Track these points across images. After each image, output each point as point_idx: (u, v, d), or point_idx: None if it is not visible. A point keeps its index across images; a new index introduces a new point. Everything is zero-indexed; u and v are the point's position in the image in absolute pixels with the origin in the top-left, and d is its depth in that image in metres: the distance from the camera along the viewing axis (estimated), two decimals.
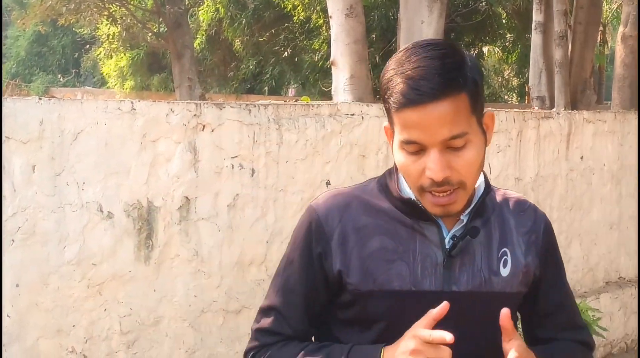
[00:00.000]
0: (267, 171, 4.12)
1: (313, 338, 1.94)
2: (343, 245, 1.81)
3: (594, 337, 5.86)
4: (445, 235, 1.81)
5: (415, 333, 1.67)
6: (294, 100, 4.51)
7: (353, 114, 4.50)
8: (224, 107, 3.95)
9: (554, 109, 7.51)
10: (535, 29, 9.71)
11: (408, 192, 1.81)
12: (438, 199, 1.73)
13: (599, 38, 17.82)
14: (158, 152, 3.73)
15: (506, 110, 5.66)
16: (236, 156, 4.00)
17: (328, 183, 4.39)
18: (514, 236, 1.89)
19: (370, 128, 4.58)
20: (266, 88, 19.79)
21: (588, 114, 6.33)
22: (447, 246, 1.81)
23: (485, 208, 1.87)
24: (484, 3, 14.73)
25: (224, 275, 4.01)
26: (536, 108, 8.72)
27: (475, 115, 1.71)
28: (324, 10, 12.27)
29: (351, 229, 1.82)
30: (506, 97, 22.07)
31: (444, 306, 1.66)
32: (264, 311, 1.92)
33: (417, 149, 1.70)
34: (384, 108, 1.77)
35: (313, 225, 1.84)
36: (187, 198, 3.84)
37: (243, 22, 18.55)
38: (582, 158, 6.17)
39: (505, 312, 1.70)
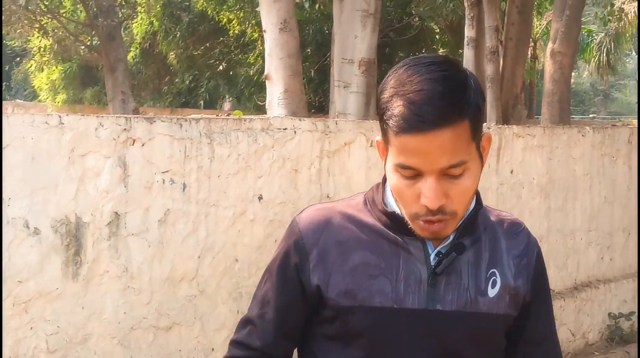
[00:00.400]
0: (199, 186, 4.09)
1: (296, 353, 1.95)
2: (323, 259, 1.78)
3: None
4: (430, 251, 1.77)
5: None
6: (226, 114, 4.49)
7: (285, 129, 4.49)
8: (155, 121, 3.92)
9: (485, 124, 7.62)
10: (467, 45, 9.87)
11: (393, 205, 1.79)
12: (430, 227, 1.69)
13: (529, 54, 18.16)
14: (87, 167, 3.68)
15: None
16: (167, 171, 3.96)
17: (260, 198, 4.37)
18: (504, 257, 1.85)
19: (303, 142, 4.58)
20: (201, 102, 19.71)
21: (518, 128, 6.43)
22: (432, 263, 1.76)
23: (476, 227, 1.83)
24: (417, 19, 14.88)
25: (154, 291, 3.96)
26: None
27: (475, 141, 1.67)
28: (259, 24, 12.27)
29: (332, 243, 1.79)
30: None
31: None
32: (241, 323, 1.94)
33: (413, 174, 1.65)
34: (379, 124, 1.72)
35: (293, 239, 1.83)
36: (116, 213, 3.79)
37: (177, 35, 18.45)
38: (512, 171, 6.26)
39: None
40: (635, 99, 31.94)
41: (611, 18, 11.62)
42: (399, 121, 1.61)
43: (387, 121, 1.65)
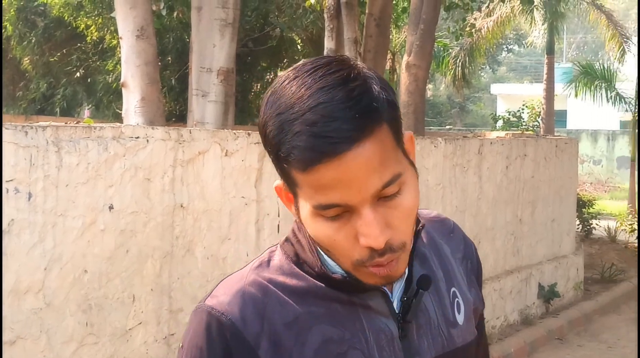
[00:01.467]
0: (46, 195, 3.98)
1: None
2: (277, 351, 1.33)
3: None
4: (392, 298, 1.42)
5: None
6: (75, 122, 4.38)
7: (138, 137, 4.43)
8: None
9: None
10: None
11: (335, 267, 1.38)
12: (380, 271, 1.29)
13: (388, 66, 18.53)
14: None
15: None
16: (12, 180, 3.83)
17: (111, 207, 4.29)
18: (453, 266, 1.54)
19: (156, 151, 4.52)
20: (57, 109, 19.17)
21: None
22: (398, 312, 1.41)
23: (418, 244, 1.47)
24: (277, 29, 14.96)
25: None
26: None
27: (399, 146, 1.29)
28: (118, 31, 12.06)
29: (281, 326, 1.34)
30: None
31: None
32: None
33: (339, 212, 1.25)
34: (275, 166, 1.31)
35: (227, 337, 1.32)
36: None
37: (33, 40, 17.90)
38: None
39: None
40: (489, 112, 33.15)
41: (463, 33, 12.01)
42: (303, 153, 1.21)
43: (286, 158, 1.24)
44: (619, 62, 22.21)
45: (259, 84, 18.45)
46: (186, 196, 4.71)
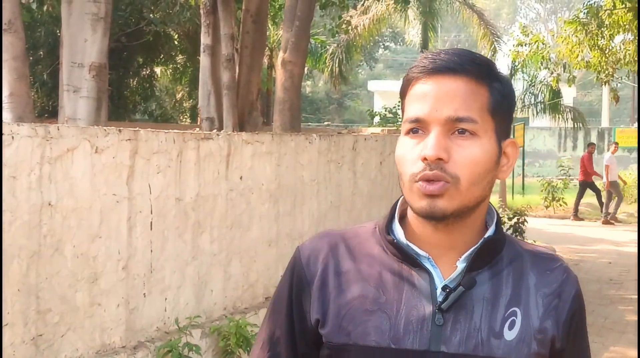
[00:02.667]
0: None
1: None
2: (322, 290, 1.60)
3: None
4: (437, 283, 1.56)
5: None
6: None
7: (2, 134, 4.31)
8: None
9: (214, 131, 7.71)
10: (203, 52, 9.90)
11: (399, 232, 1.61)
12: (425, 188, 1.49)
13: (266, 62, 18.56)
14: None
15: (166, 131, 5.71)
16: None
17: None
18: (531, 295, 1.60)
19: (22, 148, 4.40)
20: None
21: (247, 135, 6.56)
22: (439, 298, 1.55)
23: (499, 258, 1.61)
24: (152, 24, 14.76)
25: None
26: (205, 129, 8.89)
27: (494, 119, 1.54)
28: None
29: (332, 273, 1.61)
30: (182, 118, 22.23)
31: None
32: (252, 353, 1.74)
33: (419, 127, 1.52)
34: (402, 106, 1.62)
35: (295, 270, 1.66)
36: None
37: None
38: (241, 177, 6.38)
39: None
40: (367, 108, 33.55)
41: (339, 30, 12.14)
42: (416, 67, 1.55)
43: (404, 83, 1.58)
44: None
45: (135, 80, 18.18)
46: (54, 194, 4.61)
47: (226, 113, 9.26)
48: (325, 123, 36.75)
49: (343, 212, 7.91)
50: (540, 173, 28.90)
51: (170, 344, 5.33)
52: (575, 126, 22.44)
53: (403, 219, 1.65)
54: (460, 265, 1.57)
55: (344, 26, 12.34)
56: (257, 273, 6.62)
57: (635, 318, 9.58)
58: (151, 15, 15.05)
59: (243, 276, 6.45)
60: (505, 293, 1.59)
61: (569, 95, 32.55)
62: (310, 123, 34.82)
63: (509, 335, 1.56)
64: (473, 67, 1.53)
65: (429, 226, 1.57)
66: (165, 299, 5.61)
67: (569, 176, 21.71)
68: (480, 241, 1.58)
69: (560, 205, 20.52)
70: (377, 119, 20.97)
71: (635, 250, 15.32)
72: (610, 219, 19.52)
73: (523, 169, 25.94)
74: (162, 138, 5.55)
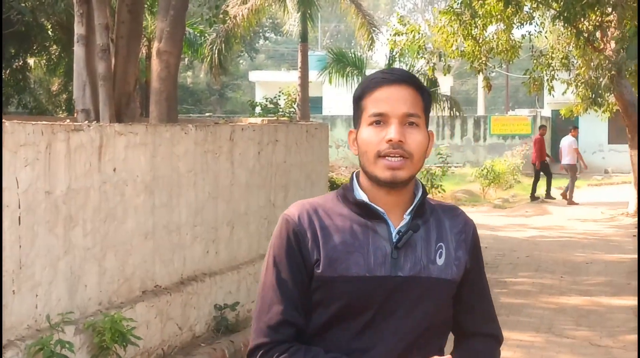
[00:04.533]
0: None
1: None
2: (315, 240, 2.25)
3: (130, 347, 5.97)
4: (392, 231, 2.28)
5: None
6: None
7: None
8: None
9: (85, 122, 7.52)
10: (77, 42, 9.63)
11: (361, 195, 2.30)
12: (391, 163, 2.21)
13: (144, 53, 18.24)
14: None
15: (33, 123, 5.53)
16: None
17: None
18: (448, 234, 2.35)
19: None
20: None
21: (120, 126, 6.43)
22: (394, 240, 2.27)
23: (425, 211, 2.34)
24: (22, 15, 14.28)
25: None
26: (82, 121, 8.66)
27: (425, 116, 2.31)
28: None
29: (318, 228, 2.26)
30: (58, 110, 21.66)
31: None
32: (261, 311, 2.27)
33: (383, 119, 2.23)
34: (354, 114, 2.34)
35: (291, 228, 2.28)
36: None
37: None
38: (115, 169, 6.25)
39: None
40: (248, 99, 33.45)
41: (217, 20, 12.01)
42: (376, 80, 2.28)
43: (364, 89, 2.30)
44: (370, 50, 23.12)
45: (7, 71, 17.59)
46: None
47: (102, 105, 9.04)
48: (207, 114, 36.46)
49: (221, 202, 7.85)
50: None
51: (41, 342, 5.18)
52: (452, 114, 22.90)
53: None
54: (407, 216, 2.30)
55: (221, 16, 12.20)
56: (133, 266, 6.50)
57: (510, 300, 9.88)
58: (22, 4, 14.55)
59: (119, 270, 6.32)
60: (433, 234, 2.33)
61: (446, 84, 33.19)
62: (191, 114, 34.48)
63: (440, 261, 2.31)
64: (415, 80, 2.30)
65: (382, 190, 2.28)
66: (36, 295, 5.45)
67: (447, 163, 22.17)
68: (418, 199, 2.33)
69: (439, 192, 20.95)
70: (258, 109, 20.88)
71: (511, 234, 15.82)
72: (571, 200, 21.10)
73: None
74: (30, 129, 5.38)
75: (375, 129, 2.24)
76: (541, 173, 21.77)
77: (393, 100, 2.24)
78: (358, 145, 2.29)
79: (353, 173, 2.37)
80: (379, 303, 2.24)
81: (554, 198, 21.56)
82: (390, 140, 2.20)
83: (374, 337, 2.24)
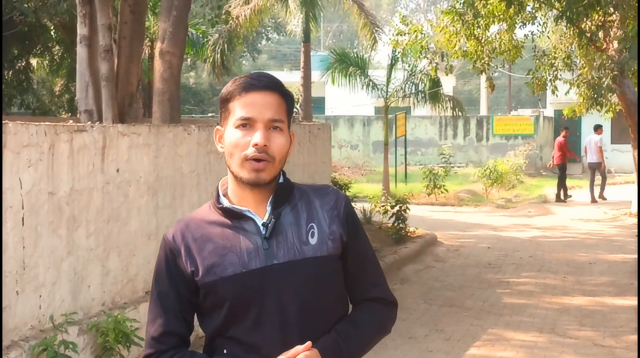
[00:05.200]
0: None
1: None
2: (189, 253, 2.41)
3: (133, 347, 5.97)
4: (259, 224, 2.41)
5: None
6: None
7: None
8: None
9: (88, 123, 7.53)
10: (80, 43, 9.63)
11: (224, 201, 2.44)
12: (255, 164, 2.34)
13: (146, 53, 18.24)
14: None
15: (36, 123, 5.54)
16: None
17: None
18: (319, 213, 2.48)
19: None
20: None
21: (123, 127, 6.43)
22: (263, 232, 2.40)
23: (292, 196, 2.48)
24: (20, 14, 14.27)
25: None
26: (84, 122, 8.66)
27: (288, 119, 2.45)
28: None
29: (191, 241, 2.42)
30: (60, 111, 21.67)
31: (306, 346, 2.32)
32: (149, 323, 2.46)
33: (249, 123, 2.36)
34: (220, 112, 2.45)
35: (167, 247, 2.45)
36: None
37: None
38: (118, 170, 6.25)
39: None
40: None
41: (219, 20, 12.02)
42: (245, 85, 2.39)
43: (232, 92, 2.41)
44: (372, 50, 23.10)
45: (10, 72, 17.60)
46: None
47: (105, 105, 9.04)
48: (210, 115, 36.45)
49: None
50: (422, 161, 29.33)
51: (45, 342, 5.18)
52: (455, 114, 22.90)
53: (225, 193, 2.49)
54: (268, 207, 2.43)
55: (224, 16, 12.21)
56: (136, 267, 6.51)
57: (512, 300, 9.88)
58: (25, 5, 14.56)
59: (122, 270, 6.33)
60: (302, 216, 2.46)
61: (448, 84, 33.20)
62: (194, 115, 34.49)
63: (312, 241, 2.43)
64: (280, 87, 2.43)
65: (247, 189, 2.41)
66: (40, 296, 5.45)
67: (450, 163, 22.18)
68: (275, 188, 2.44)
69: (442, 192, 20.95)
70: None
71: (513, 234, 15.81)
72: (602, 195, 21.55)
73: (405, 157, 26.36)
74: (33, 130, 5.39)
75: (241, 132, 2.37)
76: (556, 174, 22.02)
77: (259, 106, 2.37)
78: (225, 145, 2.43)
79: (220, 181, 2.53)
80: (263, 294, 2.38)
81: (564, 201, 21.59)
82: (256, 144, 2.34)
83: (266, 328, 2.37)
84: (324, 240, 2.45)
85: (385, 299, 2.58)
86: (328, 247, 2.45)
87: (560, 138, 22.03)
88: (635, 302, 9.42)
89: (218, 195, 2.47)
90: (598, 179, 21.91)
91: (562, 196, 21.55)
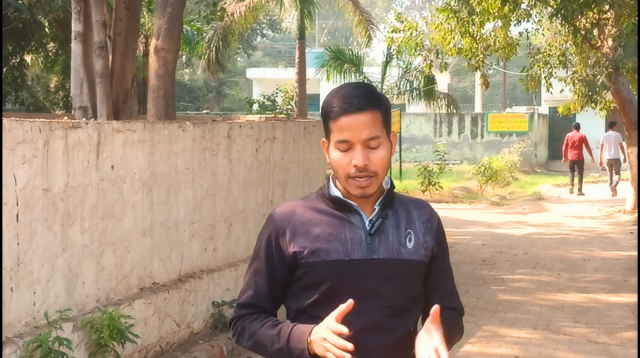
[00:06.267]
0: None
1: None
2: (294, 235, 2.63)
3: (128, 344, 5.98)
4: (365, 220, 2.64)
5: (325, 323, 2.47)
6: None
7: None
8: None
9: (83, 119, 7.52)
10: (75, 39, 9.61)
11: (336, 192, 2.66)
12: (360, 183, 2.57)
13: (141, 50, 18.22)
14: None
15: (31, 120, 5.53)
16: None
17: None
18: (416, 222, 2.72)
19: None
20: None
21: (118, 123, 6.42)
22: (368, 228, 2.64)
23: (394, 203, 2.71)
24: (15, 11, 14.22)
25: None
26: (79, 119, 8.65)
27: (385, 128, 2.62)
28: None
29: (299, 224, 2.64)
30: (55, 108, 21.63)
31: (349, 304, 2.45)
32: (241, 292, 2.74)
33: (347, 147, 2.57)
34: (324, 127, 2.64)
35: (272, 226, 2.68)
36: None
37: None
38: (112, 167, 6.25)
39: (435, 308, 2.52)
40: (246, 96, 33.47)
41: (214, 17, 12.00)
42: (338, 109, 2.56)
43: (330, 114, 2.58)
44: (367, 47, 23.12)
45: (5, 68, 17.55)
46: None
47: (100, 102, 9.02)
48: (204, 111, 36.42)
49: (219, 200, 7.86)
50: (417, 158, 29.37)
51: (39, 339, 5.18)
52: (450, 111, 22.92)
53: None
54: (377, 207, 2.66)
55: (219, 13, 12.20)
56: (131, 263, 6.51)
57: (507, 297, 9.90)
58: (19, 1, 14.51)
59: (117, 267, 6.33)
60: (402, 222, 2.69)
61: (443, 81, 33.24)
62: (189, 111, 34.47)
63: (409, 245, 2.67)
64: (372, 101, 2.58)
65: None
66: (34, 293, 5.45)
67: (444, 160, 22.20)
68: (386, 191, 2.68)
69: (436, 189, 20.98)
70: (255, 106, 20.88)
71: (508, 231, 15.83)
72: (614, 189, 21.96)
73: (400, 154, 26.38)
74: (27, 127, 5.38)
75: (341, 153, 2.58)
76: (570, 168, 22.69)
77: (354, 128, 2.55)
78: (330, 160, 2.65)
79: (330, 174, 2.73)
80: (359, 283, 2.60)
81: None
82: (356, 166, 2.55)
83: (354, 316, 2.50)
84: (419, 247, 2.69)
85: (458, 310, 2.84)
86: (421, 254, 2.69)
87: (578, 134, 22.16)
88: (629, 299, 9.45)
89: (329, 186, 2.70)
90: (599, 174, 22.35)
91: (582, 190, 22.26)
